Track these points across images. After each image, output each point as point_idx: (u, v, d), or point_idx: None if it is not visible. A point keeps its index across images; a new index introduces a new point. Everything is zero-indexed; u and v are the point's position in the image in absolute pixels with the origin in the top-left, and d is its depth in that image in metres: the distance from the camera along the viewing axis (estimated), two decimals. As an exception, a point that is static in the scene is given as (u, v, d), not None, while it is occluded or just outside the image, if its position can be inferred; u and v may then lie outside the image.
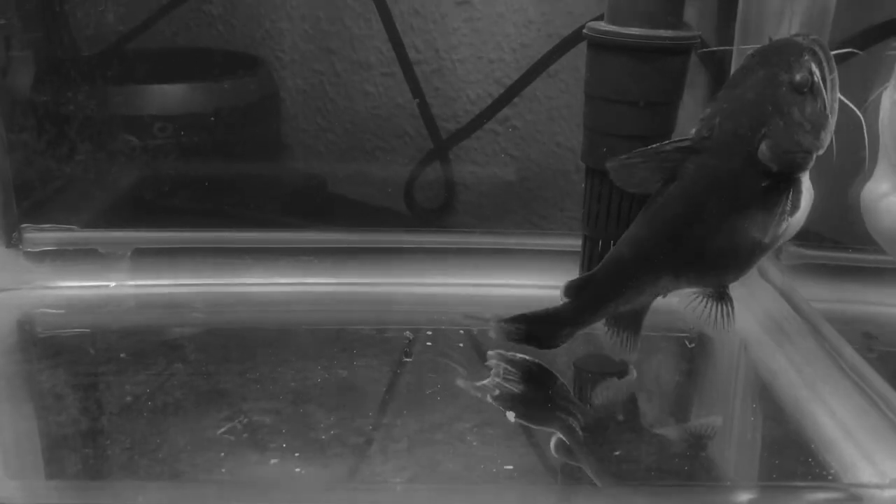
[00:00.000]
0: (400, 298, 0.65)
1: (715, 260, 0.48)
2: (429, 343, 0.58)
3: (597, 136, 0.53)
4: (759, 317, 0.61)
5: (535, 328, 0.52)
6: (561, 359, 0.59)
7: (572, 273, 0.55)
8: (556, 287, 0.64)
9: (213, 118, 0.71)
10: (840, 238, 0.62)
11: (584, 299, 0.50)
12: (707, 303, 0.50)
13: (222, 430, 0.47)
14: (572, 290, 0.50)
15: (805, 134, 0.43)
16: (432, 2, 0.73)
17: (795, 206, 0.45)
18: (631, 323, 0.51)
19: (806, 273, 0.62)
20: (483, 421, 0.49)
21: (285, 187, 0.78)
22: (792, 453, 0.48)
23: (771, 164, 0.44)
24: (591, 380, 0.55)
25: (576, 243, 0.61)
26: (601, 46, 0.51)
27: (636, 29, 0.50)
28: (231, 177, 0.74)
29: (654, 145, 0.47)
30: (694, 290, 0.50)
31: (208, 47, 0.77)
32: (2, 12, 0.63)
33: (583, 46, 0.53)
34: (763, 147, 0.44)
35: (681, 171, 0.46)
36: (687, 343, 0.60)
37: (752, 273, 0.65)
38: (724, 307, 0.50)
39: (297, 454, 0.45)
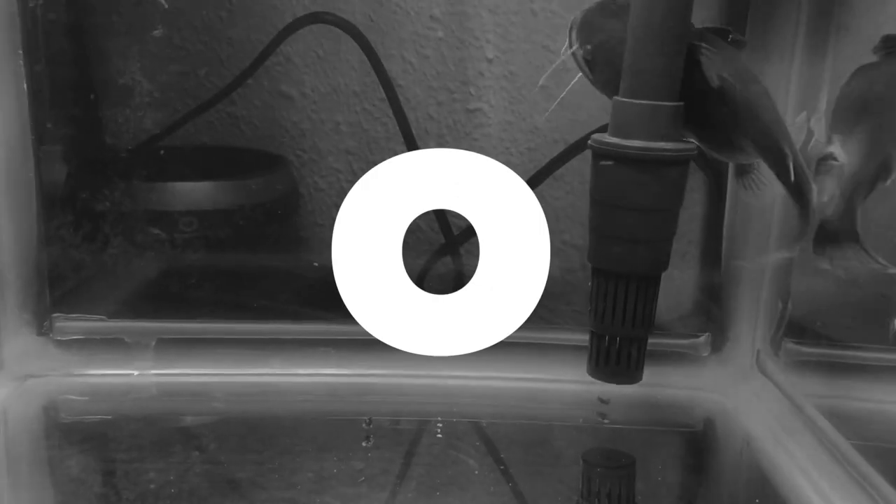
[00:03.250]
0: (411, 390, 0.67)
1: None
2: (439, 435, 0.60)
3: (602, 238, 0.56)
4: (761, 413, 0.63)
5: None
6: (568, 452, 0.61)
7: (580, 367, 0.57)
8: (562, 381, 0.66)
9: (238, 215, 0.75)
10: (838, 336, 0.64)
11: None
12: None
13: (242, 518, 0.48)
14: None
15: None
16: (446, 108, 0.78)
17: None
18: None
19: (804, 370, 0.64)
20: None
21: (301, 280, 0.81)
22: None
23: None
24: (599, 473, 0.57)
25: (583, 337, 0.63)
26: (605, 157, 0.55)
27: (638, 141, 0.54)
28: (251, 270, 0.77)
29: None
30: None
31: (233, 146, 0.81)
32: (46, 117, 0.67)
33: (587, 152, 0.57)
34: None
35: None
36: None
37: (754, 369, 0.67)
38: None
39: (314, 543, 0.46)
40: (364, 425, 0.60)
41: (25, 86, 0.62)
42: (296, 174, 0.81)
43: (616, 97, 0.55)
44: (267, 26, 0.77)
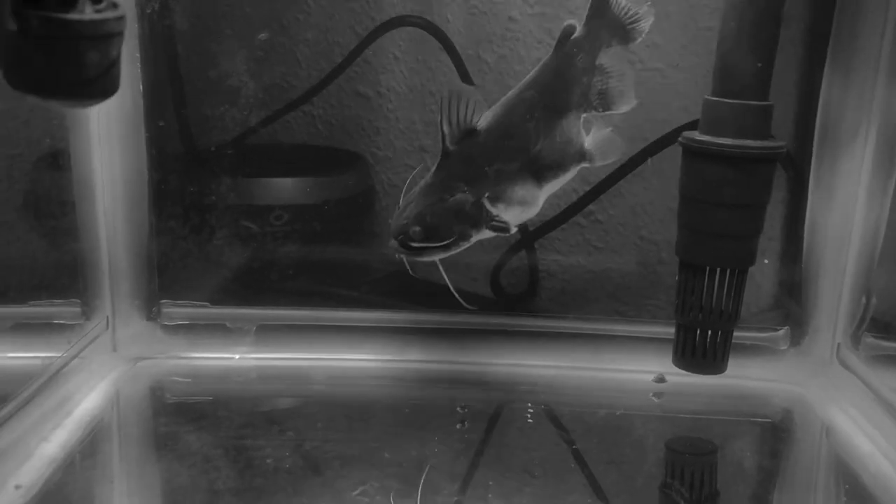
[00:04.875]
0: (497, 377, 0.69)
1: None
2: (529, 420, 0.63)
3: (690, 233, 0.58)
4: (841, 403, 0.65)
5: None
6: (648, 440, 0.63)
7: (659, 358, 0.59)
8: (639, 371, 0.69)
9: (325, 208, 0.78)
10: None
11: None
12: None
13: (356, 492, 0.51)
14: None
15: None
16: (522, 107, 0.80)
17: None
18: None
19: (886, 364, 0.65)
20: (593, 493, 0.53)
21: (376, 272, 0.84)
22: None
23: None
24: (682, 460, 0.59)
25: (660, 330, 0.66)
26: (696, 153, 0.57)
27: (728, 139, 0.56)
28: (333, 261, 0.80)
29: None
30: None
31: (316, 145, 0.85)
32: (159, 115, 0.71)
33: (668, 150, 0.58)
34: None
35: None
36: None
37: (833, 363, 0.68)
38: None
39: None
40: (459, 409, 0.63)
41: (141, 87, 0.66)
42: (371, 171, 0.84)
43: (707, 97, 0.58)
44: (344, 29, 0.80)
